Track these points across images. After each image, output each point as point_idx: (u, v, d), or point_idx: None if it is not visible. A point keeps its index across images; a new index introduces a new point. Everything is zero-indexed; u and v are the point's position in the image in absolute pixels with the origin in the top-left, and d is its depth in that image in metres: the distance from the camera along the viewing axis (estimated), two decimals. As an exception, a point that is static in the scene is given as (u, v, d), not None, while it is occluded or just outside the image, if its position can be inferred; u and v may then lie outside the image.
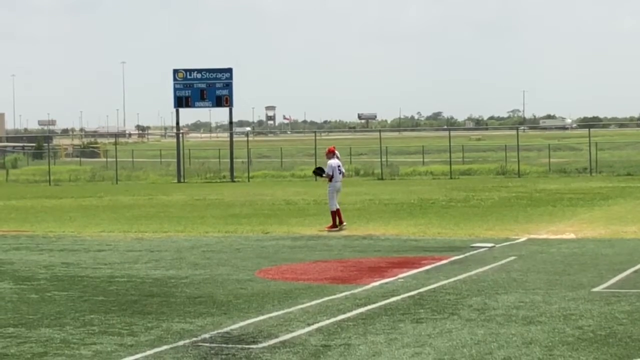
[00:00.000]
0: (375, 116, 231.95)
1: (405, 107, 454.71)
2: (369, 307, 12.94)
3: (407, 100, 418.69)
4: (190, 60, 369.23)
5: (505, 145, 69.83)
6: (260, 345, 10.65)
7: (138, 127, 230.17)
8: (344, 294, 14.07)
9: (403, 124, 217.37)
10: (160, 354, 10.37)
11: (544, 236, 21.73)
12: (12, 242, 22.58)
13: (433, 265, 17.10)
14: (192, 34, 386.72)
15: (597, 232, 22.28)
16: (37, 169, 69.37)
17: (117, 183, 57.10)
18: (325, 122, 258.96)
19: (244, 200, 36.76)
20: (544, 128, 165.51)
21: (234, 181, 56.35)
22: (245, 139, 79.06)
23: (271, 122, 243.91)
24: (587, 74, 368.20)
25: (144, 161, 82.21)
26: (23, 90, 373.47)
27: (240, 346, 10.67)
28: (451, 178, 54.09)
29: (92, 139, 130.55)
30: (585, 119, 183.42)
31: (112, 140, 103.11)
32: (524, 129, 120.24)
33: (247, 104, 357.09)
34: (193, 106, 58.20)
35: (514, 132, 70.98)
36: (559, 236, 21.66)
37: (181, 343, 10.85)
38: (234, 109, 58.31)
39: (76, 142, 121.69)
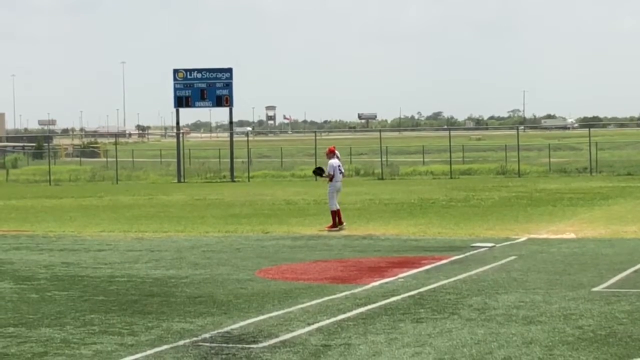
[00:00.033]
0: (376, 116, 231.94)
1: (405, 107, 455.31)
2: (369, 306, 12.94)
3: (407, 100, 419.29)
4: (190, 60, 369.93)
5: (506, 145, 69.82)
6: (260, 345, 10.66)
7: (138, 127, 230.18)
8: (344, 293, 14.07)
9: (403, 124, 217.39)
10: (161, 353, 10.37)
11: (544, 236, 21.72)
12: (12, 242, 22.58)
13: (433, 265, 17.10)
14: (192, 34, 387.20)
15: (597, 232, 22.28)
16: (37, 169, 69.35)
17: (117, 183, 57.10)
18: (325, 122, 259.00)
19: (244, 200, 36.76)
20: (545, 128, 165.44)
21: (234, 181, 56.35)
22: (246, 138, 79.10)
23: (271, 122, 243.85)
24: (587, 74, 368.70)
25: (144, 161, 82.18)
26: (23, 90, 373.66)
27: (240, 346, 10.67)
28: (451, 178, 54.09)
29: (92, 139, 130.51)
30: (585, 119, 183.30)
31: (112, 140, 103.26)
32: (524, 129, 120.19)
33: (247, 104, 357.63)
34: (193, 106, 58.22)
35: (514, 131, 71.03)
36: (559, 236, 21.66)
37: (181, 343, 10.85)
38: (234, 109, 58.44)
39: (76, 142, 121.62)
